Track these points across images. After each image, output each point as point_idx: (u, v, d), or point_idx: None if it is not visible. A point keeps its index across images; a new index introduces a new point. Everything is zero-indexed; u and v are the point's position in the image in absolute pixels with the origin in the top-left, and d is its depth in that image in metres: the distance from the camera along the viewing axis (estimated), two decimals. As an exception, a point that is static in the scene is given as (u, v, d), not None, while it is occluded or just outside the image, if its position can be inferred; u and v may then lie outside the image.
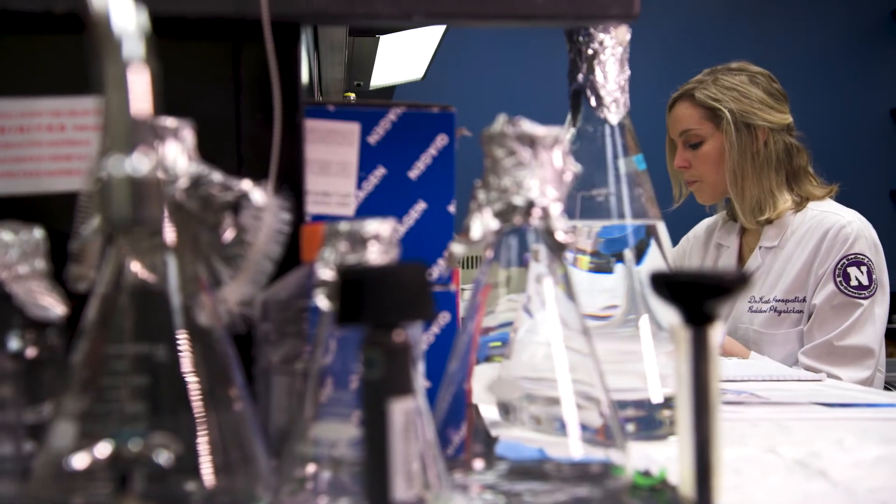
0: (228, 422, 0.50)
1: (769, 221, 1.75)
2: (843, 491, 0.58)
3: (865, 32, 4.07)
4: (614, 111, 0.81)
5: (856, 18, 4.07)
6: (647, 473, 0.61)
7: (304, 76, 0.66)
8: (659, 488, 0.59)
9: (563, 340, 0.56)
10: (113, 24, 0.28)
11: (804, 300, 1.70)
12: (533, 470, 0.55)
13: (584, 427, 0.55)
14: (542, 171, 0.54)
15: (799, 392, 1.11)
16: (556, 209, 0.54)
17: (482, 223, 0.54)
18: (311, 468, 0.50)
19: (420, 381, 0.60)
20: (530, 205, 0.53)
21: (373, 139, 0.69)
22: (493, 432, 0.60)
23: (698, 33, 3.95)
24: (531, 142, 0.53)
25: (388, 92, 3.21)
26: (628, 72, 0.82)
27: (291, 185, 0.64)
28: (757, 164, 1.73)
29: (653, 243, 0.80)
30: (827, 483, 0.60)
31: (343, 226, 0.49)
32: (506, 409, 0.59)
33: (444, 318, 0.70)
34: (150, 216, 0.32)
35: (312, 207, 0.68)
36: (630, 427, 0.73)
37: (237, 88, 0.64)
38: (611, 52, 0.80)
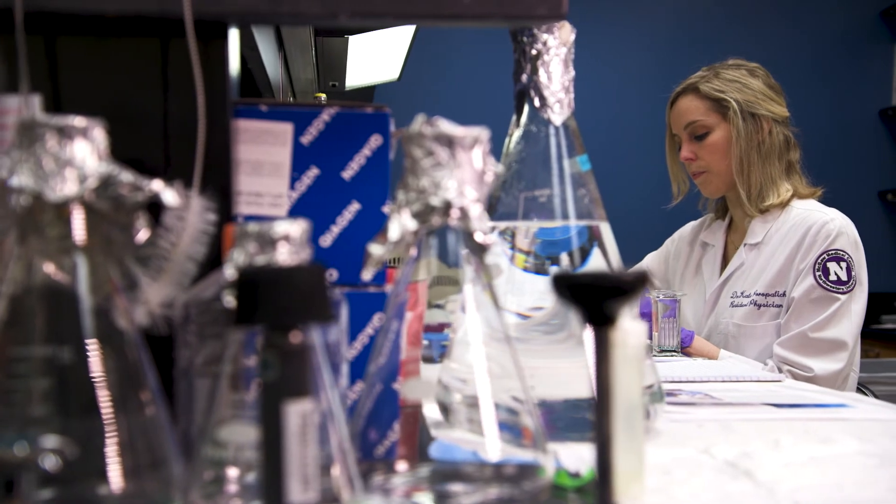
0: (139, 425, 0.49)
1: (768, 210, 1.78)
2: (764, 491, 0.58)
3: (854, 33, 4.08)
4: (558, 112, 0.81)
5: (845, 19, 4.08)
6: (576, 475, 0.61)
7: (234, 74, 0.66)
8: (586, 489, 0.59)
9: (487, 343, 0.55)
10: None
11: (784, 294, 1.72)
12: (455, 472, 0.55)
13: (509, 428, 0.55)
14: (460, 171, 0.53)
15: (755, 393, 1.11)
16: (475, 210, 0.54)
17: (400, 224, 0.53)
18: (229, 471, 0.49)
19: (341, 383, 0.60)
20: (448, 205, 0.53)
21: (306, 139, 0.68)
22: (433, 433, 0.59)
23: (688, 33, 3.95)
24: (449, 142, 0.53)
25: (367, 92, 3.20)
26: (573, 72, 0.82)
27: (220, 184, 0.63)
28: (762, 152, 1.78)
29: (595, 246, 0.80)
30: (751, 483, 0.60)
31: (252, 227, 0.48)
32: (445, 410, 0.58)
33: (378, 319, 0.69)
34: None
35: (245, 208, 0.68)
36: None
37: (165, 87, 0.63)
38: (555, 52, 0.80)
